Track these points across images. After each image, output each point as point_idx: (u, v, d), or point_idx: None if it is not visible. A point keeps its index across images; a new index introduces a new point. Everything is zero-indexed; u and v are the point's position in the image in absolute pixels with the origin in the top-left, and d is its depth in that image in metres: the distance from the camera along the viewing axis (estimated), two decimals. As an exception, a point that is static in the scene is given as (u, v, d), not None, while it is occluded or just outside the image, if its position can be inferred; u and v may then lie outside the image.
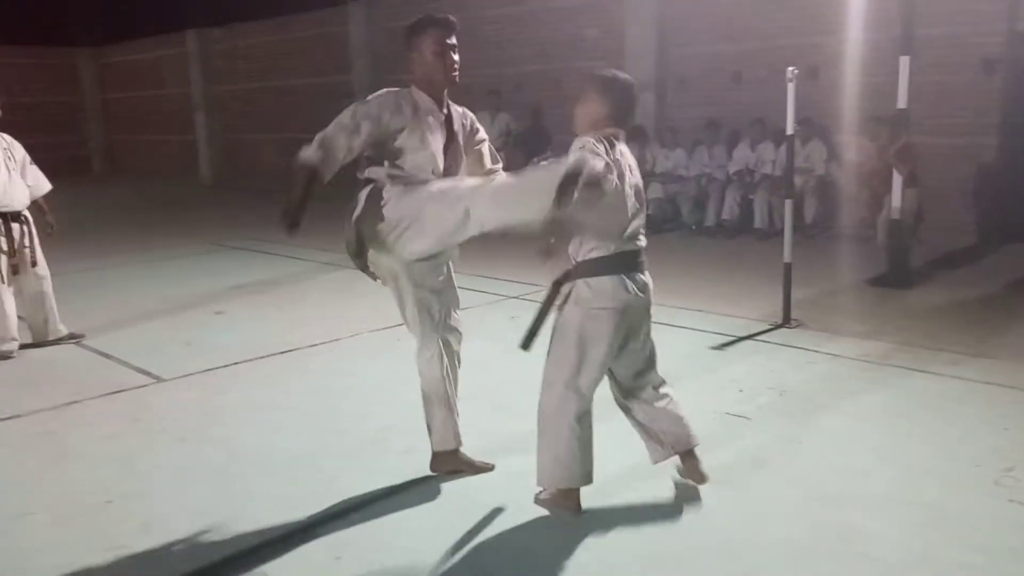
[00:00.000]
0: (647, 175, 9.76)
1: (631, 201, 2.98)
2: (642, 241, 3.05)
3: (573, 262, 3.01)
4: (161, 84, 19.63)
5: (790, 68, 5.21)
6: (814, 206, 8.74)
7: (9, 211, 5.31)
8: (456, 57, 3.24)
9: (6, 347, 5.25)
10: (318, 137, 3.06)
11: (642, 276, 3.04)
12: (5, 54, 19.29)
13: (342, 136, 3.04)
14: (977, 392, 4.21)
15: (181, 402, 4.39)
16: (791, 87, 5.19)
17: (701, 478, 3.19)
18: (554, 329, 3.05)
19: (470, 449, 3.46)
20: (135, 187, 17.32)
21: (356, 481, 3.36)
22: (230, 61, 17.67)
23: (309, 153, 3.00)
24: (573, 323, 2.98)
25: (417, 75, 3.23)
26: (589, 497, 3.11)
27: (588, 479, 3.05)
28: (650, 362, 3.21)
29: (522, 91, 12.08)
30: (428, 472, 3.40)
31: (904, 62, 6.18)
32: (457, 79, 3.24)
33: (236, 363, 5.00)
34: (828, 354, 4.82)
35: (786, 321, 5.42)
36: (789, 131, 5.40)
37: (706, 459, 3.25)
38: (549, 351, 3.06)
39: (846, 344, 5.00)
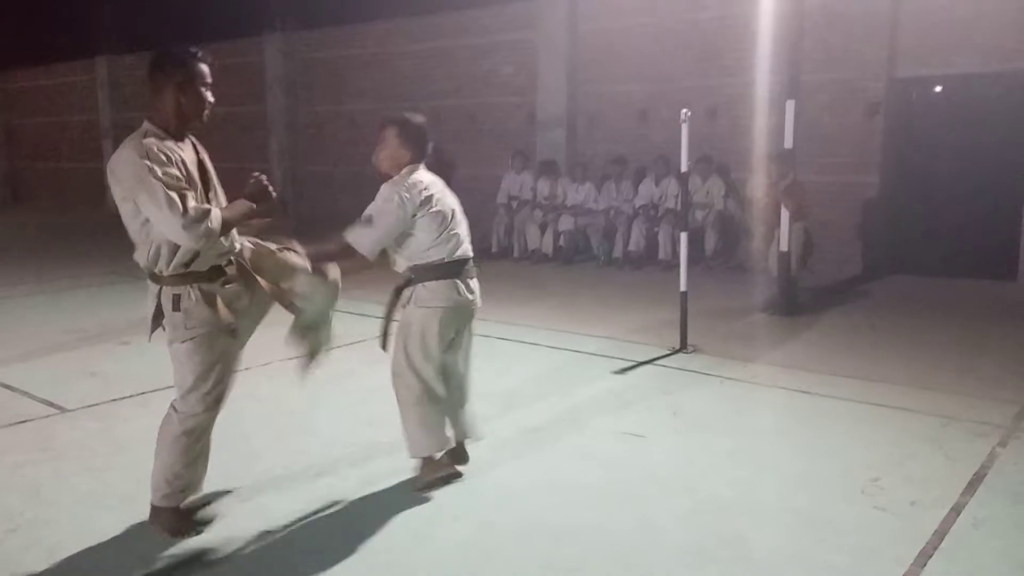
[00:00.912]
0: (558, 208, 10.12)
1: (442, 219, 3.45)
2: (469, 251, 3.56)
3: (408, 269, 3.51)
4: (68, 111, 19.11)
5: (684, 110, 5.59)
6: (713, 239, 9.22)
7: None
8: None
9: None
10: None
11: (471, 281, 3.55)
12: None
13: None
14: (851, 410, 4.58)
15: (87, 431, 4.37)
16: (684, 128, 5.57)
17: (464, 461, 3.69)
18: (400, 327, 3.53)
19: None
20: (39, 216, 16.74)
21: (265, 508, 3.44)
22: (141, 88, 17.35)
23: None
24: (415, 321, 3.48)
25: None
26: (487, 509, 3.28)
27: (445, 444, 3.56)
28: (467, 359, 3.69)
29: (439, 124, 12.33)
30: (346, 498, 3.52)
31: (790, 105, 6.67)
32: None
33: (145, 392, 4.99)
34: (720, 377, 5.15)
35: (683, 347, 5.74)
36: (683, 168, 5.78)
37: (607, 474, 3.47)
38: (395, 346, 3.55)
39: (736, 368, 5.34)
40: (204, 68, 3.07)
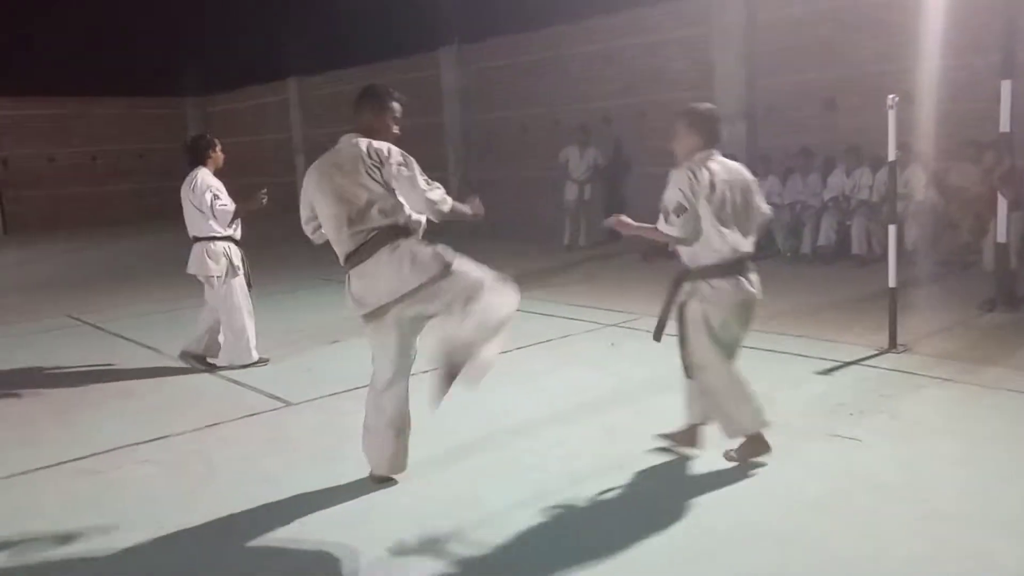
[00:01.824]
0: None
1: (721, 206, 3.55)
2: (748, 246, 3.65)
3: (690, 264, 3.64)
4: (262, 130, 20.72)
5: (891, 96, 5.27)
6: (914, 232, 8.63)
7: None
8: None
9: None
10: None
11: (752, 275, 3.66)
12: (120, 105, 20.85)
13: None
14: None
15: (313, 424, 4.71)
16: (892, 114, 5.24)
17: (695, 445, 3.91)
18: (684, 322, 3.65)
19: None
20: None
21: (481, 498, 3.57)
22: (328, 106, 18.56)
23: None
24: (705, 315, 3.59)
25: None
26: (705, 513, 3.24)
27: (764, 420, 3.69)
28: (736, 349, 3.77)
29: (609, 125, 12.33)
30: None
31: (1006, 86, 6.13)
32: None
33: (355, 388, 5.29)
34: (939, 378, 4.81)
35: (893, 346, 5.41)
36: (891, 157, 5.44)
37: (825, 480, 3.34)
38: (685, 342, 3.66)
39: (956, 369, 4.96)
40: (395, 105, 3.65)
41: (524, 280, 3.62)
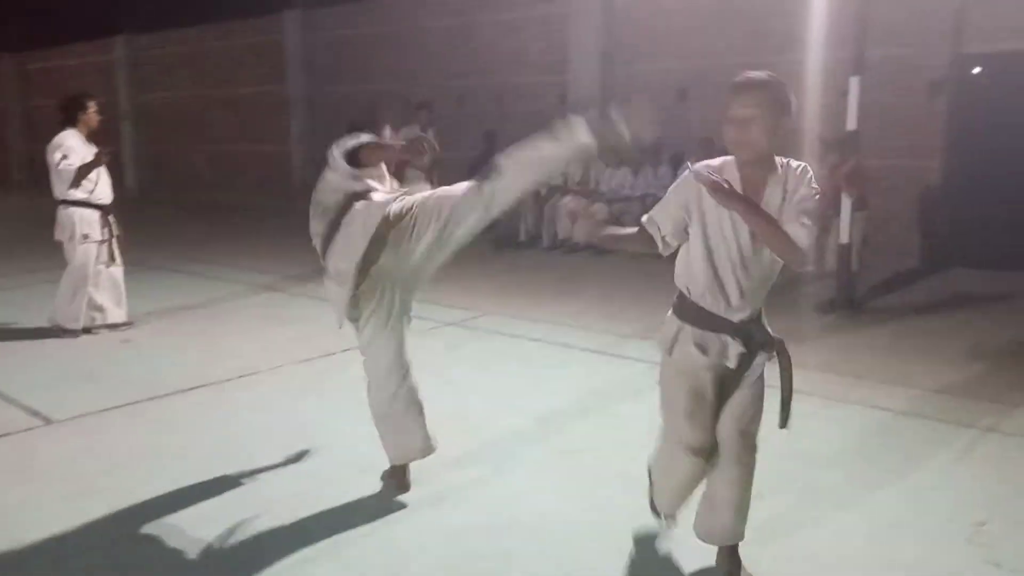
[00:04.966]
0: (591, 194, 9.53)
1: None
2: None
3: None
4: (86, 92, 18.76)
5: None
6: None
7: None
8: None
9: None
10: None
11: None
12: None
13: None
14: (940, 433, 3.99)
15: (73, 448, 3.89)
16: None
17: None
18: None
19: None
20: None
21: (263, 544, 2.93)
22: (160, 69, 16.96)
23: None
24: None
25: None
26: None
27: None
28: None
29: (464, 106, 11.77)
30: (347, 528, 3.01)
31: (854, 83, 6.04)
32: None
33: (141, 401, 4.51)
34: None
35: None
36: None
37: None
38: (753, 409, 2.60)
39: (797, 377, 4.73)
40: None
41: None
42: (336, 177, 3.15)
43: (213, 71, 15.72)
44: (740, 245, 2.43)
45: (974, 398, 4.45)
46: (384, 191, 3.25)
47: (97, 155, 5.72)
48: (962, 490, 3.38)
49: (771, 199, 2.40)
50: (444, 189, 3.13)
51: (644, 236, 2.58)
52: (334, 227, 3.15)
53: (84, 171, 5.66)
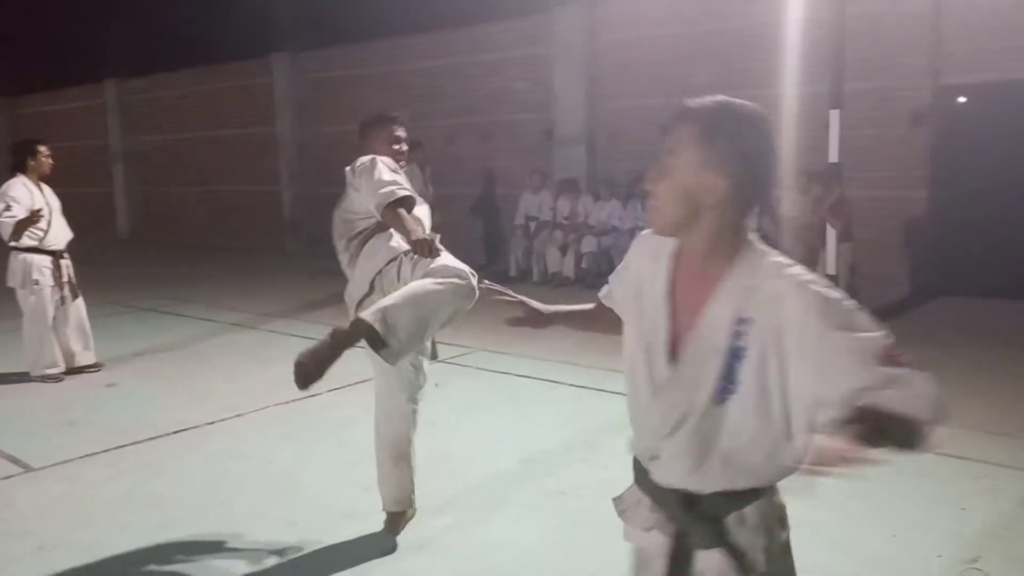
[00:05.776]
0: (580, 228, 9.57)
1: None
2: None
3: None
4: (77, 135, 18.85)
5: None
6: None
7: None
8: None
9: None
10: None
11: None
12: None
13: None
14: (930, 466, 3.94)
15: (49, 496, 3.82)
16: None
17: None
18: None
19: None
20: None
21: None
22: (151, 112, 17.06)
23: None
24: None
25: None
26: None
27: None
28: None
29: (452, 143, 11.85)
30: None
31: (835, 116, 6.10)
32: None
33: (122, 446, 4.45)
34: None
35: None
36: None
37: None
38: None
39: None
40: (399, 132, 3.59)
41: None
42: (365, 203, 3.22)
43: (203, 113, 15.81)
44: None
45: (969, 428, 4.42)
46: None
47: (36, 211, 5.60)
48: (953, 524, 3.33)
49: (716, 311, 1.43)
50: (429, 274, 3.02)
51: (604, 313, 1.82)
52: (355, 255, 3.22)
53: (23, 226, 5.58)
